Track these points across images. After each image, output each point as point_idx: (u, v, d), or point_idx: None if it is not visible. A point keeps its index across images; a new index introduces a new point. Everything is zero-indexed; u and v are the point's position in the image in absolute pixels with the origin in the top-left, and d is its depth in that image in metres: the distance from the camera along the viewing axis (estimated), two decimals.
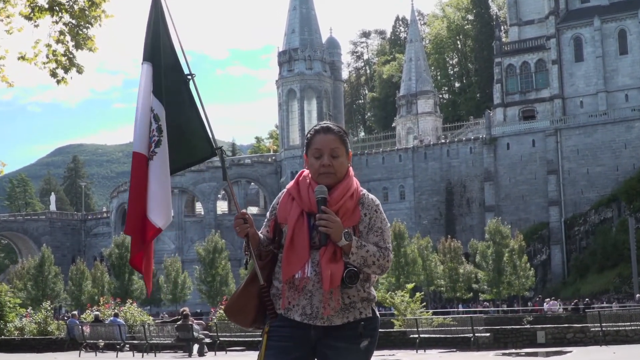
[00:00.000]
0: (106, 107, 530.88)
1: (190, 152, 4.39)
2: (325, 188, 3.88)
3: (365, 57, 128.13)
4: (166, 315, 50.53)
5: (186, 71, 4.41)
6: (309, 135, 4.05)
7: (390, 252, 3.91)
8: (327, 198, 3.86)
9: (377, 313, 4.04)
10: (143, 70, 4.35)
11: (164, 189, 4.29)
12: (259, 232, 4.04)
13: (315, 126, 4.07)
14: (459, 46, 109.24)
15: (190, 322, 22.81)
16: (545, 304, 54.06)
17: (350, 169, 4.05)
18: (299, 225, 3.88)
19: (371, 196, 4.01)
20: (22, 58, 9.90)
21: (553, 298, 55.45)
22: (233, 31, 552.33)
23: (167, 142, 4.28)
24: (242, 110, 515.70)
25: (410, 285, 30.57)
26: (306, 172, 4.05)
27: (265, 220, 4.11)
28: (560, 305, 52.55)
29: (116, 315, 26.29)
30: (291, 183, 4.06)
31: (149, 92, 4.33)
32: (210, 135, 4.35)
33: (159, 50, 4.37)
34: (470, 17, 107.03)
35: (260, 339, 4.06)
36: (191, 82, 4.39)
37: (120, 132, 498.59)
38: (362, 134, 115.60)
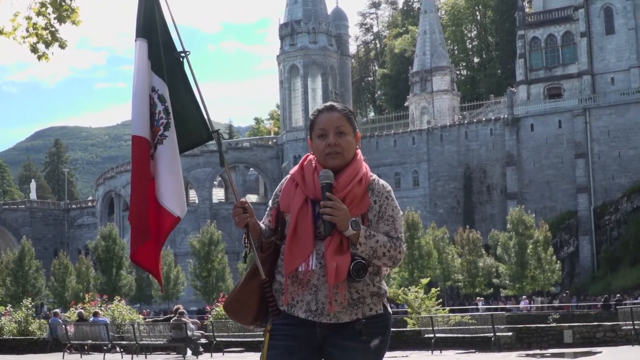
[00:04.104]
0: (89, 87, 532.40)
1: (185, 137, 4.37)
2: (331, 172, 3.90)
3: (375, 29, 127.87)
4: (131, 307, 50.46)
5: (179, 49, 4.41)
6: (312, 117, 4.09)
7: (402, 243, 3.91)
8: (332, 183, 3.87)
9: (389, 309, 4.05)
10: (138, 48, 4.35)
11: (176, 175, 4.29)
12: (261, 222, 4.06)
13: (319, 107, 4.11)
14: (478, 17, 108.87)
15: (184, 321, 22.89)
16: (521, 301, 54.16)
17: (359, 152, 4.08)
18: (302, 214, 3.89)
19: (382, 182, 4.03)
20: (0, 32, 9.90)
21: (528, 296, 55.59)
22: (225, 3, 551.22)
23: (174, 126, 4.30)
24: (240, 88, 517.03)
25: (425, 281, 30.70)
26: (311, 156, 4.07)
27: (268, 209, 4.12)
28: (531, 303, 52.56)
29: (96, 314, 26.27)
30: (295, 168, 4.08)
31: (147, 69, 4.32)
32: (206, 118, 4.36)
33: (155, 27, 4.37)
34: None
35: (262, 339, 4.07)
36: (185, 61, 4.40)
37: (105, 114, 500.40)
38: (372, 114, 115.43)
